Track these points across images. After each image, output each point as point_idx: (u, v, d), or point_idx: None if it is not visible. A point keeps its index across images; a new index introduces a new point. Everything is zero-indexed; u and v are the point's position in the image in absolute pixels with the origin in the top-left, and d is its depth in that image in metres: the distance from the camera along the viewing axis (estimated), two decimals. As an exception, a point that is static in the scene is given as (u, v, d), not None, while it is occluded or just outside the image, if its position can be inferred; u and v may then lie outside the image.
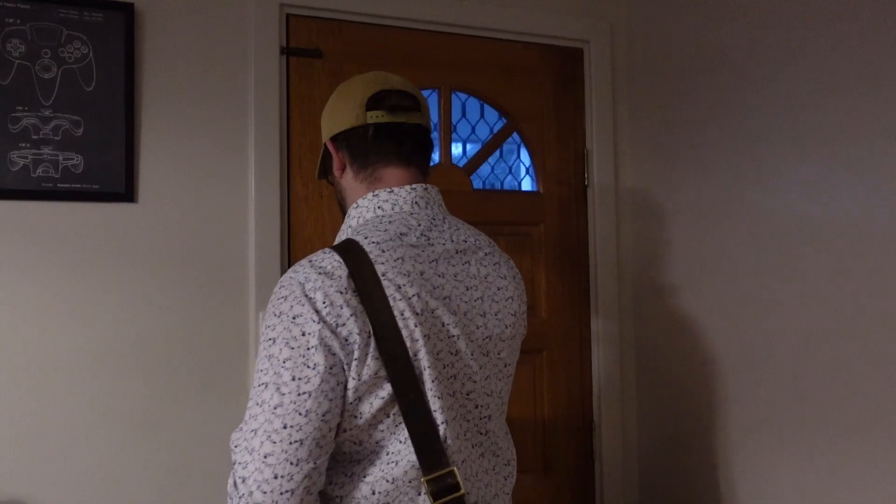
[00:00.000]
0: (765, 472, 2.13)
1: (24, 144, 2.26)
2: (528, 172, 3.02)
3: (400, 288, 1.30)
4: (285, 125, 2.55)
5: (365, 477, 1.30)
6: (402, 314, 1.28)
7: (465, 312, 1.38)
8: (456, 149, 2.90)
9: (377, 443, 1.30)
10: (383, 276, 1.29)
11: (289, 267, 2.24)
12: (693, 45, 2.51)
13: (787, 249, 2.07)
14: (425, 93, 2.83)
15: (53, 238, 2.25)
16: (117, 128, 2.36)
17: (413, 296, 1.30)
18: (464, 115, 2.92)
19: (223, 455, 2.31)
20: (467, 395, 1.38)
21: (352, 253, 1.31)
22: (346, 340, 1.24)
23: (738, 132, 2.29)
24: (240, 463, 1.23)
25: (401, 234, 1.37)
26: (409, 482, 1.29)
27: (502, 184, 3.03)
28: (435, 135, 2.83)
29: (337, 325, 1.24)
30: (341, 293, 1.26)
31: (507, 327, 1.45)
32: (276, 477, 1.20)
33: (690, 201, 2.53)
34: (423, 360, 1.30)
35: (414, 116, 1.49)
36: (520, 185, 3.06)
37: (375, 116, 1.47)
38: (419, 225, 1.41)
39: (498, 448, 1.46)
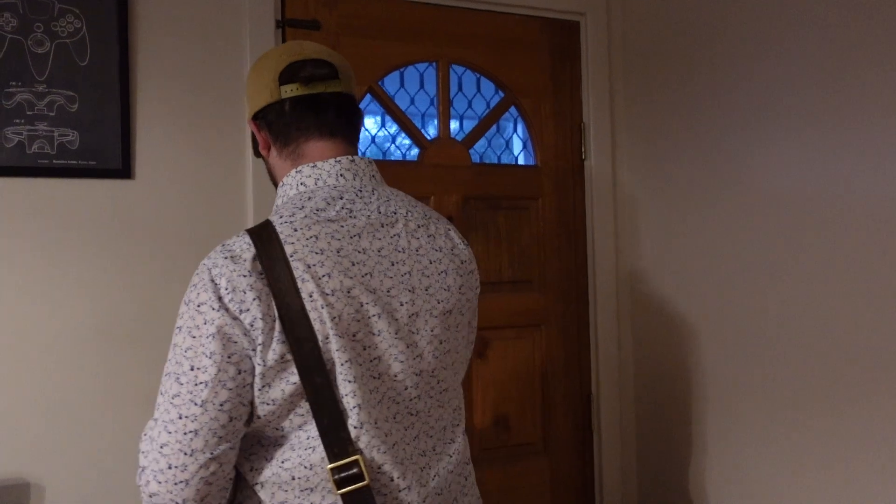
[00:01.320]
0: (763, 439, 2.12)
1: (18, 120, 2.22)
2: (525, 147, 3.00)
3: (310, 268, 1.22)
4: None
5: (284, 462, 1.25)
6: (311, 296, 1.21)
7: (389, 289, 1.29)
8: (453, 124, 2.87)
9: (298, 427, 1.24)
10: (292, 256, 1.22)
11: None
12: (689, 17, 2.48)
13: (784, 222, 2.06)
14: (422, 66, 2.79)
15: (50, 215, 2.23)
16: (112, 103, 2.33)
17: (324, 276, 1.23)
18: (460, 89, 2.88)
19: None
20: (394, 376, 1.29)
21: (263, 234, 1.24)
22: (251, 326, 1.19)
23: (735, 106, 2.27)
24: (142, 452, 1.23)
25: (318, 210, 1.29)
26: (324, 470, 1.24)
27: (499, 158, 3.00)
28: (433, 109, 2.80)
29: (240, 311, 1.19)
30: (245, 277, 1.20)
31: (438, 302, 1.34)
32: (170, 467, 1.18)
33: (687, 175, 2.51)
34: (334, 344, 1.22)
35: (332, 85, 1.41)
36: (516, 159, 3.03)
37: (290, 90, 1.39)
38: (342, 198, 1.33)
39: (431, 428, 1.36)
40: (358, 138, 1.48)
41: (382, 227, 1.33)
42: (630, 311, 2.89)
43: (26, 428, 2.18)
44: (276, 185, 1.48)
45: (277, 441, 1.26)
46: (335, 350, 1.22)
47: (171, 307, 2.31)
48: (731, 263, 2.28)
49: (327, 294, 1.22)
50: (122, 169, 2.33)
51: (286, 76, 1.39)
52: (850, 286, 1.85)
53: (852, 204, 1.85)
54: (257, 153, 1.52)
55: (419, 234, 1.36)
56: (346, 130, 1.43)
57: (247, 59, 2.44)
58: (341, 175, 1.36)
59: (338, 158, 1.38)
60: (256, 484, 1.26)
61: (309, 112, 1.39)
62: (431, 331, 1.33)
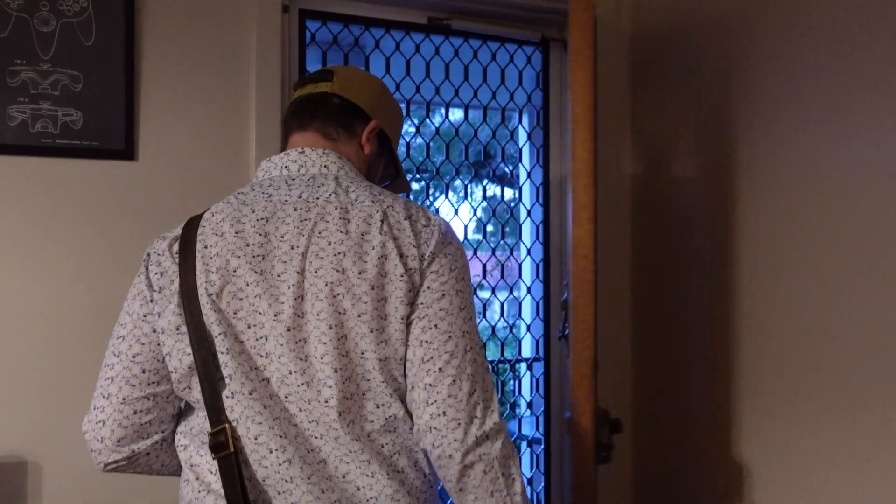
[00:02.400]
0: (758, 412, 2.11)
1: (22, 99, 2.22)
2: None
3: (206, 248, 1.36)
4: (287, 83, 2.50)
5: (192, 428, 1.38)
6: (202, 273, 1.34)
7: (280, 273, 1.34)
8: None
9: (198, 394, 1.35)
10: (199, 237, 1.37)
11: None
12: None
13: (802, 199, 2.01)
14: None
15: (52, 195, 2.23)
16: (117, 84, 2.33)
17: (214, 255, 1.35)
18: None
19: None
20: (279, 357, 1.33)
21: (194, 219, 1.43)
22: (160, 291, 1.36)
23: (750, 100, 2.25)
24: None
25: (239, 195, 1.43)
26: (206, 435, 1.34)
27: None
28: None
29: (152, 281, 1.37)
30: (160, 254, 1.39)
31: (326, 285, 1.33)
32: (93, 409, 1.37)
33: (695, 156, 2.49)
34: (211, 318, 1.32)
35: (321, 86, 1.54)
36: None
37: (292, 96, 1.58)
38: (271, 185, 1.43)
39: (319, 413, 1.33)
40: (350, 137, 1.54)
41: (295, 211, 1.38)
42: (630, 283, 2.86)
43: (24, 407, 2.19)
44: None
45: (188, 407, 1.42)
46: (212, 323, 1.32)
47: None
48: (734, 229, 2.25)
49: (211, 272, 1.34)
50: (126, 150, 2.33)
51: (294, 87, 1.59)
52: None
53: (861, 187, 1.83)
54: None
55: (329, 218, 1.37)
56: (320, 124, 1.52)
57: (252, 42, 2.43)
58: (286, 167, 1.46)
59: (287, 151, 1.49)
60: (180, 447, 1.40)
61: (293, 110, 1.55)
62: (318, 315, 1.33)
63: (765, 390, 2.04)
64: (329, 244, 1.35)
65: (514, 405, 3.17)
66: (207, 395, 1.32)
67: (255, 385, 1.32)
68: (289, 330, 1.33)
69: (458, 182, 3.08)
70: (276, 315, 1.33)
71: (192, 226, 1.40)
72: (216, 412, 1.31)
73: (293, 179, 1.44)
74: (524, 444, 3.04)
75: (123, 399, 1.36)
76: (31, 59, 2.24)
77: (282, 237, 1.37)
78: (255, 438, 1.31)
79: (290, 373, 1.33)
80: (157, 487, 2.27)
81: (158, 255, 1.40)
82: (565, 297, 2.26)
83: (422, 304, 1.35)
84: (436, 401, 1.30)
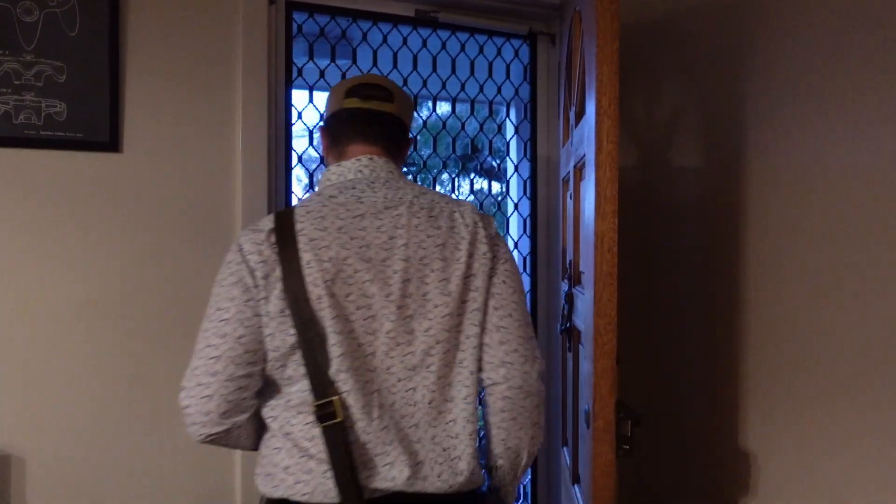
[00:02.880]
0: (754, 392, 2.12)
1: (5, 90, 2.16)
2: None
3: (312, 241, 1.53)
4: (273, 74, 2.46)
5: (290, 400, 1.53)
6: (309, 263, 1.51)
7: (384, 259, 1.55)
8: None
9: (299, 372, 1.52)
10: (300, 231, 1.54)
11: None
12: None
13: (801, 190, 2.02)
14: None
15: (35, 187, 2.19)
16: (101, 75, 2.27)
17: (323, 247, 1.53)
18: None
19: None
20: (387, 332, 1.54)
21: (283, 214, 1.58)
22: (265, 279, 1.51)
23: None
24: (185, 375, 1.54)
25: (330, 197, 1.61)
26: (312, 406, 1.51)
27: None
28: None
29: (254, 269, 1.52)
30: (259, 244, 1.53)
31: (431, 271, 1.56)
32: (198, 385, 1.51)
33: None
34: (325, 301, 1.50)
35: (385, 105, 1.73)
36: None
37: (350, 102, 1.71)
38: (354, 188, 1.63)
39: (417, 381, 1.56)
40: (399, 154, 1.78)
41: (386, 209, 1.60)
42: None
43: (8, 401, 2.15)
44: None
45: (280, 383, 1.55)
46: (326, 307, 1.50)
47: (156, 283, 2.29)
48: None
49: (324, 261, 1.52)
50: (110, 142, 2.28)
51: (352, 92, 1.71)
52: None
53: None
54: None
55: (420, 215, 1.60)
56: (385, 142, 1.72)
57: (239, 33, 2.38)
58: (359, 171, 1.66)
59: (358, 157, 1.68)
60: (269, 418, 1.56)
61: (359, 121, 1.70)
62: (424, 295, 1.56)
63: (768, 381, 2.05)
64: (428, 237, 1.58)
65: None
66: (313, 371, 1.49)
67: (361, 360, 1.52)
68: (398, 308, 1.54)
69: (445, 175, 3.05)
70: (386, 296, 1.54)
71: (285, 220, 1.55)
72: (323, 386, 1.49)
73: (372, 183, 1.64)
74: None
75: (229, 376, 1.50)
76: (14, 50, 2.17)
77: (378, 229, 1.57)
78: (362, 408, 1.50)
79: (397, 345, 1.54)
80: (135, 481, 2.29)
81: (258, 245, 1.53)
82: (566, 289, 2.25)
83: (497, 293, 1.61)
84: (509, 339, 1.59)
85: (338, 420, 1.48)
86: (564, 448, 2.54)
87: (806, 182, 1.92)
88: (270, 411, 1.57)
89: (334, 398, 1.48)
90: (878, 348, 1.73)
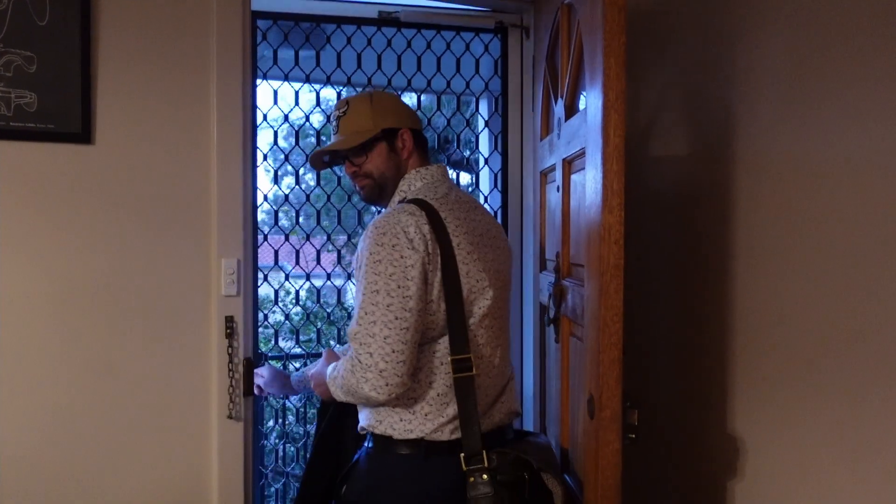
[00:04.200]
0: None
1: (-27, 80, 2.08)
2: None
3: (456, 228, 1.87)
4: (248, 63, 2.40)
5: (435, 353, 1.86)
6: (459, 246, 1.86)
7: (491, 245, 1.97)
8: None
9: (443, 333, 1.85)
10: (445, 219, 1.87)
11: (253, 209, 2.45)
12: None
13: (791, 179, 2.04)
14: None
15: (6, 179, 2.15)
16: (73, 65, 2.22)
17: (463, 233, 1.88)
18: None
19: (182, 396, 2.32)
20: (493, 302, 1.92)
21: (422, 204, 1.87)
22: (429, 260, 1.81)
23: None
24: (362, 344, 1.77)
25: (444, 195, 1.95)
26: (448, 364, 1.85)
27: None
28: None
29: (425, 248, 1.80)
30: (425, 225, 1.82)
31: (506, 257, 2.04)
32: (393, 351, 1.75)
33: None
34: (466, 276, 1.86)
35: None
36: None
37: (418, 125, 2.09)
38: (452, 188, 2.02)
39: (504, 348, 2.02)
40: None
41: (475, 208, 2.01)
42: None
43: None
44: (388, 175, 2.03)
45: (433, 341, 1.86)
46: (476, 281, 1.88)
47: (129, 276, 2.26)
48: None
49: (469, 245, 1.88)
50: (82, 133, 2.23)
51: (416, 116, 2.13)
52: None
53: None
54: (360, 150, 2.03)
55: (487, 216, 2.05)
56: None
57: (213, 21, 2.33)
58: (443, 174, 2.05)
59: (437, 164, 2.07)
60: (422, 381, 1.86)
61: (425, 142, 2.10)
62: (506, 273, 2.02)
63: (756, 368, 2.07)
64: (497, 234, 2.04)
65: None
66: (455, 333, 1.83)
67: (496, 322, 1.95)
68: (493, 282, 1.93)
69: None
70: (495, 272, 1.94)
71: (431, 211, 1.85)
72: (462, 345, 1.83)
73: (451, 186, 2.04)
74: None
75: (415, 343, 1.79)
76: (-18, 40, 2.09)
77: (478, 222, 1.98)
78: (487, 365, 1.93)
79: (499, 315, 1.98)
80: (109, 473, 2.28)
81: (419, 226, 1.81)
82: (553, 281, 2.25)
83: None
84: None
85: (471, 373, 1.83)
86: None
87: (794, 172, 1.93)
88: (420, 360, 1.86)
89: (469, 355, 1.83)
90: (865, 338, 1.76)
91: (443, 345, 1.84)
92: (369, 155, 2.00)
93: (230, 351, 2.29)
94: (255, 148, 2.51)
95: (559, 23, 2.22)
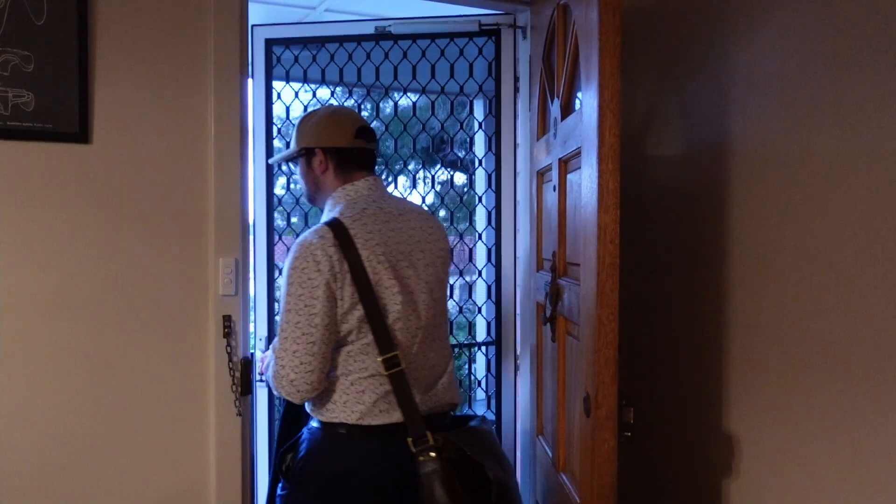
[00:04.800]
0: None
1: (-29, 79, 2.07)
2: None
3: (366, 242, 2.01)
4: (245, 63, 2.39)
5: (350, 352, 2.03)
6: (368, 259, 2.00)
7: (410, 251, 2.09)
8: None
9: (363, 338, 2.01)
10: (355, 237, 2.00)
11: (248, 209, 2.46)
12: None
13: (785, 177, 2.04)
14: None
15: (3, 178, 2.12)
16: (70, 65, 2.19)
17: (375, 245, 2.02)
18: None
19: (180, 395, 2.31)
20: (421, 302, 2.09)
21: (334, 225, 2.01)
22: (335, 278, 1.96)
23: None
24: (278, 357, 1.99)
25: (363, 210, 2.09)
26: (377, 361, 2.00)
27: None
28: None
29: (329, 269, 1.96)
30: (331, 247, 1.97)
31: (434, 258, 2.16)
32: (301, 363, 1.96)
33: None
34: (383, 282, 2.01)
35: (373, 145, 2.24)
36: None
37: (359, 143, 2.19)
38: (374, 202, 2.13)
39: (434, 339, 2.14)
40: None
41: (400, 216, 2.13)
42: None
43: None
44: (310, 189, 2.23)
45: (351, 347, 2.02)
46: (385, 288, 2.01)
47: (126, 276, 2.24)
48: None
49: (378, 253, 2.01)
50: (80, 133, 2.20)
51: (360, 133, 2.19)
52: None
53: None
54: (291, 160, 2.31)
55: (421, 222, 2.17)
56: (372, 167, 2.24)
57: (210, 21, 2.31)
58: (369, 188, 2.17)
59: (366, 178, 2.18)
60: (340, 376, 2.03)
61: (364, 157, 2.20)
62: (433, 274, 2.14)
63: (752, 367, 2.07)
64: (427, 236, 2.17)
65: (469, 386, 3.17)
66: (379, 335, 1.99)
67: (409, 325, 2.05)
68: (426, 283, 2.10)
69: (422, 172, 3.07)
70: (416, 276, 2.09)
71: (340, 230, 2.00)
72: (388, 345, 1.99)
73: (382, 197, 2.17)
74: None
75: (324, 355, 1.97)
76: (-21, 39, 2.08)
77: (400, 230, 2.10)
78: (405, 357, 2.03)
79: (426, 311, 2.10)
80: (108, 473, 2.27)
81: (325, 249, 1.97)
82: (549, 281, 2.25)
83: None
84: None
85: (401, 368, 2.00)
86: (540, 437, 2.54)
87: (789, 171, 1.94)
88: (338, 370, 2.04)
89: (396, 352, 2.00)
90: (858, 336, 1.76)
91: (356, 345, 2.02)
92: (298, 168, 2.27)
93: (228, 350, 2.28)
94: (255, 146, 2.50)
95: (555, 23, 2.22)
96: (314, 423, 2.10)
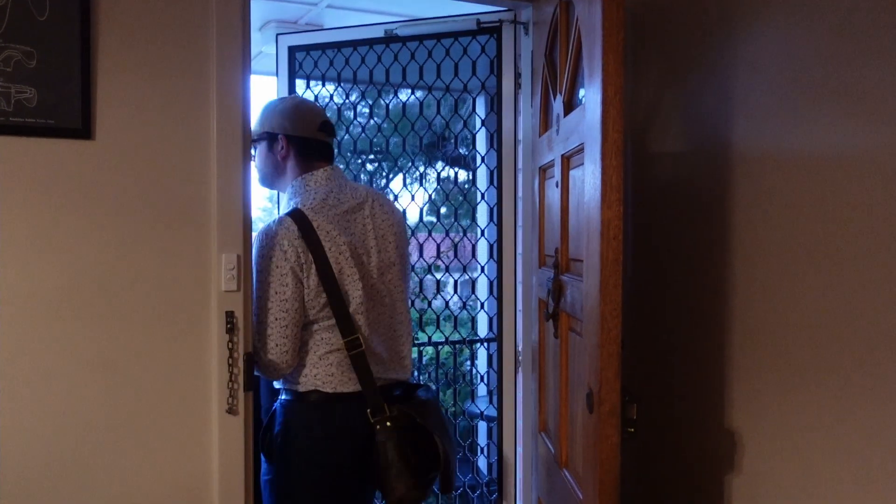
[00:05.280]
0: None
1: (-27, 75, 2.05)
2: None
3: (328, 233, 2.22)
4: (248, 58, 2.38)
5: (316, 330, 2.26)
6: (329, 249, 2.20)
7: (365, 239, 2.31)
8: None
9: (328, 319, 2.23)
10: (317, 227, 2.21)
11: (250, 204, 2.43)
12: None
13: (788, 173, 2.03)
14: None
15: (5, 175, 2.11)
16: (73, 60, 2.17)
17: (336, 235, 2.23)
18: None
19: (183, 392, 2.29)
20: (376, 286, 2.31)
21: (296, 215, 2.22)
22: (301, 266, 2.18)
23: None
24: (256, 340, 2.22)
25: (323, 199, 2.29)
26: (341, 341, 2.23)
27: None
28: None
29: (296, 257, 2.17)
30: (295, 237, 2.18)
31: (389, 243, 2.37)
32: (276, 345, 2.20)
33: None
34: (346, 271, 2.23)
35: (331, 140, 2.45)
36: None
37: (321, 136, 2.40)
38: (332, 192, 2.32)
39: (391, 318, 2.38)
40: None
41: (358, 205, 2.35)
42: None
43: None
44: (268, 172, 2.46)
45: (318, 326, 2.25)
46: (347, 276, 2.24)
47: (130, 272, 2.23)
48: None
49: (340, 244, 2.23)
50: (83, 129, 2.18)
51: (323, 127, 2.42)
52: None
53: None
54: (254, 145, 2.44)
55: (376, 208, 2.38)
56: (332, 158, 2.45)
57: (213, 15, 2.30)
58: (329, 178, 2.36)
59: (325, 168, 2.38)
60: (310, 350, 2.27)
61: (325, 150, 2.42)
62: (388, 258, 2.36)
63: (757, 364, 2.06)
64: (383, 221, 2.38)
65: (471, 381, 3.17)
66: (341, 318, 2.21)
67: (370, 307, 2.28)
68: (378, 268, 2.33)
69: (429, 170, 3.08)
70: (373, 262, 2.31)
71: (302, 219, 2.20)
72: (350, 327, 2.22)
73: (341, 186, 2.36)
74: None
75: (295, 335, 2.21)
76: (-19, 34, 2.07)
77: (355, 220, 2.32)
78: (367, 337, 2.27)
79: (381, 294, 2.34)
80: (112, 471, 2.25)
81: (290, 239, 2.18)
82: (552, 276, 2.24)
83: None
84: None
85: (361, 349, 2.23)
86: (542, 433, 2.53)
87: (792, 168, 1.93)
88: (307, 346, 2.26)
89: (357, 335, 2.23)
90: (862, 333, 1.75)
91: (322, 324, 2.24)
92: (256, 152, 2.44)
93: (230, 346, 2.27)
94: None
95: (558, 19, 2.21)
96: (285, 396, 2.33)
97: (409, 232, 2.83)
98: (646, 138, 2.54)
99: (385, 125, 3.52)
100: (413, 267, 3.30)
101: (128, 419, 2.22)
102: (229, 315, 2.27)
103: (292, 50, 3.42)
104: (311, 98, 3.49)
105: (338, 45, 3.41)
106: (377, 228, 2.34)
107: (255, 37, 4.30)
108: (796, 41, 1.91)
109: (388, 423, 2.22)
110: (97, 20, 2.19)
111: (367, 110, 3.54)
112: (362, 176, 3.79)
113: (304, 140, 2.38)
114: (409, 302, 2.50)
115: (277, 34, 3.49)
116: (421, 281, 3.56)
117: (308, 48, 3.43)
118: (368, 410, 2.23)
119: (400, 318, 2.41)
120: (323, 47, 3.41)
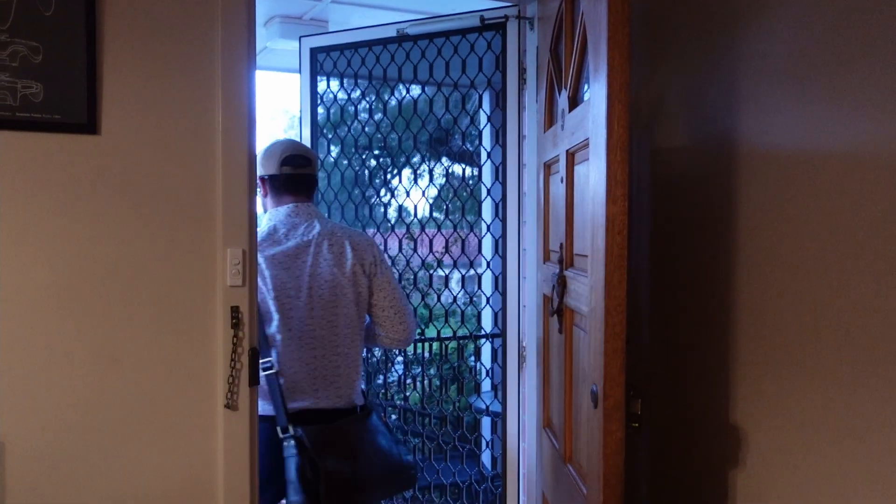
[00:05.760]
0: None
1: (-20, 71, 2.05)
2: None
3: (262, 262, 2.53)
4: (253, 53, 2.38)
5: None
6: (260, 278, 2.48)
7: (298, 276, 2.57)
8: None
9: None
10: (259, 263, 2.47)
11: (255, 200, 2.49)
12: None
13: (793, 169, 2.03)
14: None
15: (12, 169, 2.11)
16: (78, 55, 2.17)
17: (267, 266, 2.54)
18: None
19: (188, 386, 2.30)
20: (300, 319, 2.55)
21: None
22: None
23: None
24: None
25: (270, 235, 2.60)
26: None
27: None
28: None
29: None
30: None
31: (325, 281, 2.59)
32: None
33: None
34: (271, 304, 2.54)
35: (307, 169, 2.68)
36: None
37: (286, 170, 2.65)
38: (284, 228, 2.62)
39: (323, 352, 2.59)
40: (313, 196, 2.76)
41: (305, 244, 2.61)
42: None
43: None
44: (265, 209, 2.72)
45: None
46: (272, 307, 2.53)
47: (135, 267, 2.23)
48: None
49: (265, 276, 2.52)
50: (88, 124, 2.18)
51: (286, 162, 2.65)
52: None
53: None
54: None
55: (323, 248, 2.62)
56: (306, 193, 2.70)
57: (218, 11, 2.29)
58: (288, 215, 2.64)
59: (287, 205, 2.65)
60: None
61: (291, 183, 2.66)
62: (321, 296, 2.59)
63: (761, 359, 2.05)
64: (324, 260, 2.62)
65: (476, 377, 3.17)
66: (260, 343, 2.43)
67: (290, 338, 2.56)
68: (307, 304, 2.57)
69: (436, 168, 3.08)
70: (301, 297, 2.56)
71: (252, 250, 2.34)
72: (265, 351, 2.50)
73: (295, 225, 2.64)
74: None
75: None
76: (-12, 30, 2.06)
77: (297, 258, 2.61)
78: (286, 363, 2.56)
79: (308, 328, 2.59)
80: (116, 465, 2.24)
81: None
82: (557, 272, 2.23)
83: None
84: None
85: (272, 371, 2.53)
86: (546, 429, 2.53)
87: (797, 164, 1.92)
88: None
89: (271, 358, 2.55)
90: (864, 327, 1.75)
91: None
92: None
93: (235, 341, 2.27)
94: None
95: (563, 14, 2.20)
96: None
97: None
98: (652, 133, 2.53)
99: (397, 122, 3.68)
100: (423, 262, 3.63)
101: (134, 413, 2.22)
102: (235, 310, 2.27)
103: (314, 51, 3.74)
104: (331, 94, 3.84)
105: (354, 46, 3.66)
106: (315, 268, 2.58)
107: (261, 32, 4.33)
108: (806, 35, 1.90)
109: (293, 442, 2.47)
110: (102, 15, 2.19)
111: (381, 106, 3.73)
112: (365, 172, 3.81)
113: (272, 177, 2.66)
114: (360, 338, 2.69)
115: (301, 37, 3.81)
116: (431, 276, 3.57)
117: (328, 49, 3.72)
118: (278, 427, 2.49)
119: (341, 350, 2.62)
120: (341, 48, 3.69)
